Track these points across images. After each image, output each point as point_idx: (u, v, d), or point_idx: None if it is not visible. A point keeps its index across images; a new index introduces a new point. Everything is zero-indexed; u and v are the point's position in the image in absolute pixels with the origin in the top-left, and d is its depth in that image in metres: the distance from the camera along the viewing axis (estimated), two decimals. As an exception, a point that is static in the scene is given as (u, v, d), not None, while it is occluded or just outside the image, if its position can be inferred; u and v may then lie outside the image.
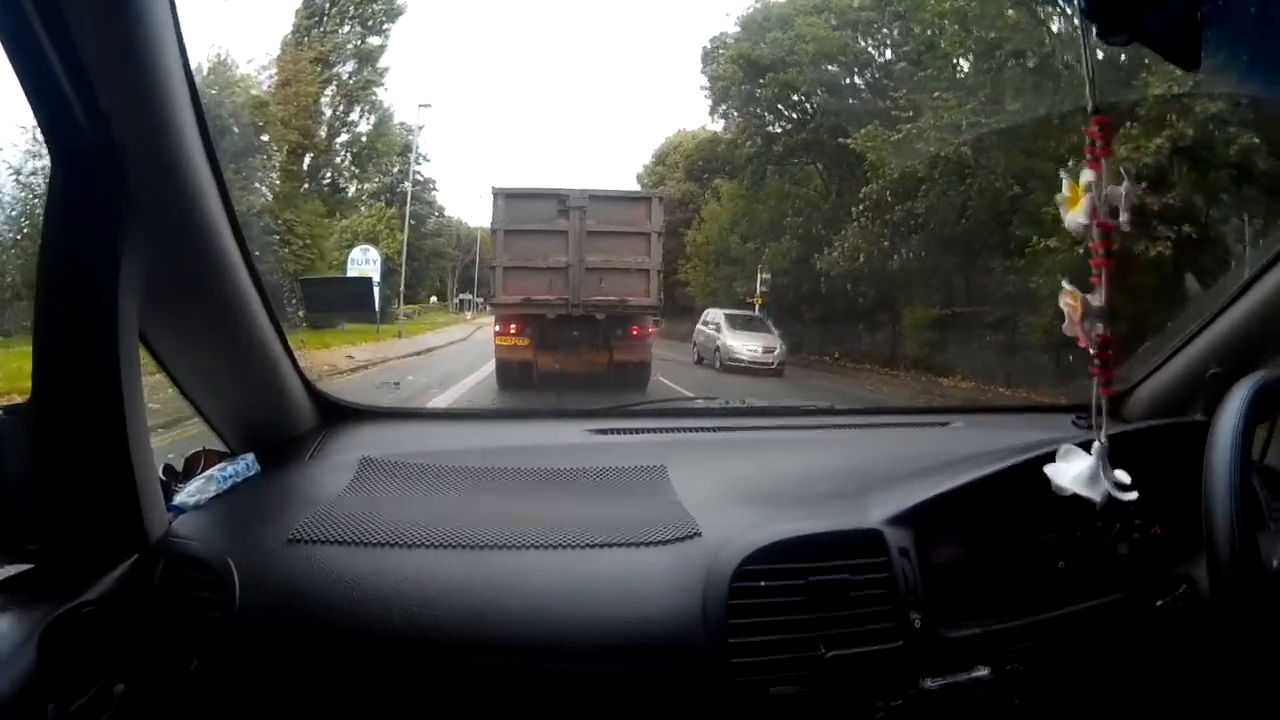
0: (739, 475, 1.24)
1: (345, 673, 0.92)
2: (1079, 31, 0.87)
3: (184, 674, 0.91)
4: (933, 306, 13.12)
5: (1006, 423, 1.77)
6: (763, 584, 0.95)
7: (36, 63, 0.76)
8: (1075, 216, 0.88)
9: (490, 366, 8.35)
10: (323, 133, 20.21)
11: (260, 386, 1.21)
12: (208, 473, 1.13)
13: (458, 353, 13.64)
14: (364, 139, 21.64)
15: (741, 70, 16.54)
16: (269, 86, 16.86)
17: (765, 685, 0.92)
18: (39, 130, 0.84)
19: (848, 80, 15.70)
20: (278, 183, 15.61)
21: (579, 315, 7.84)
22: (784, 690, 0.93)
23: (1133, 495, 0.89)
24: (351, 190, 22.92)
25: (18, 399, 0.91)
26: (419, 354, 11.69)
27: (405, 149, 27.29)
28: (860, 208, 13.84)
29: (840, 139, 14.11)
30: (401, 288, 19.32)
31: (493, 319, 8.41)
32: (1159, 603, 1.05)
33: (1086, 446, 0.91)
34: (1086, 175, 0.87)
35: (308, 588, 0.95)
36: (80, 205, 0.85)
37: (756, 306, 17.99)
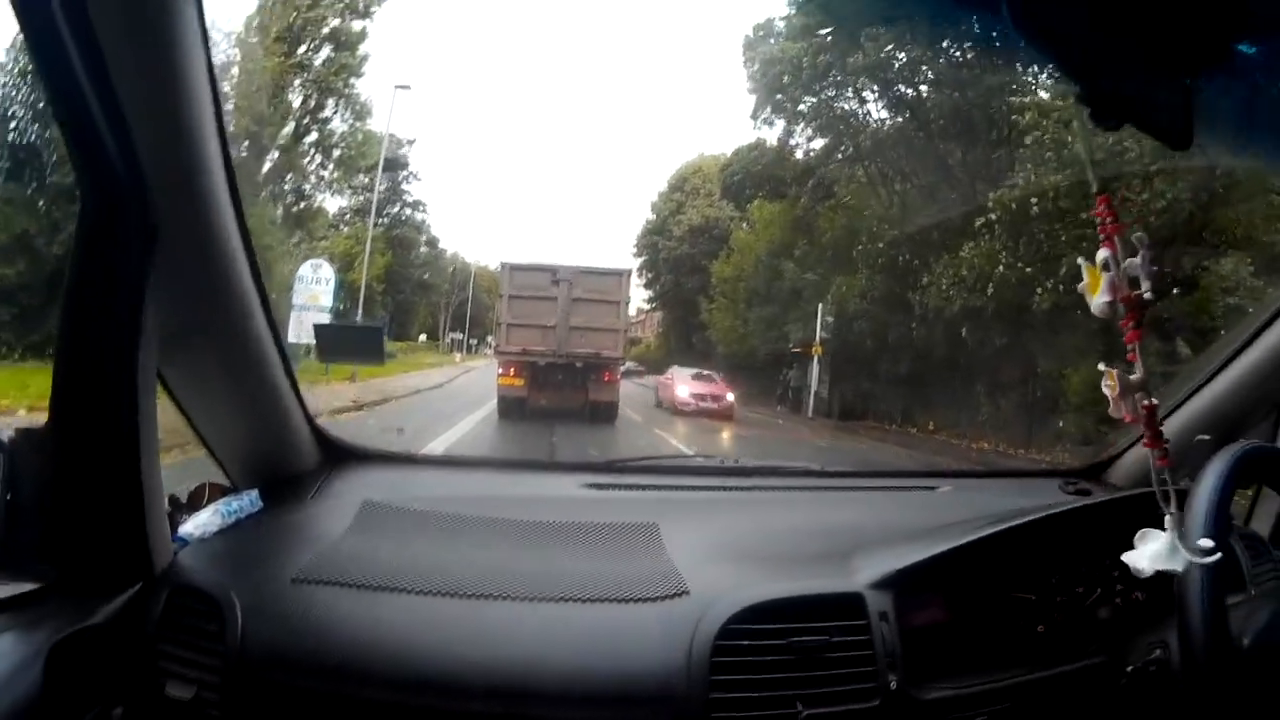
0: (729, 534, 1.38)
1: (342, 713, 1.02)
2: (1075, 118, 0.99)
3: (182, 704, 1.02)
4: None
5: (993, 487, 1.89)
6: (746, 643, 1.07)
7: (74, 101, 0.86)
8: (1099, 299, 0.94)
9: (457, 438, 9.08)
10: (289, 129, 16.28)
11: (268, 425, 1.35)
12: (213, 506, 1.26)
13: (419, 407, 11.97)
14: (337, 138, 17.53)
15: (815, 48, 12.51)
16: (219, 59, 13.00)
17: None
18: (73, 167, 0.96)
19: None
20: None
21: (563, 363, 10.68)
22: None
23: (1217, 556, 0.96)
24: (328, 205, 19.27)
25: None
26: (353, 410, 9.39)
27: (389, 163, 23.39)
28: (992, 217, 11.06)
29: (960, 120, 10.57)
30: (359, 315, 17.95)
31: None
32: (1130, 668, 1.14)
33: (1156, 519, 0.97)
34: (1101, 254, 0.95)
35: (310, 627, 1.06)
36: (109, 241, 0.96)
37: (815, 357, 13.53)
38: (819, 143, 16.62)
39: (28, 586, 0.97)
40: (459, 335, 27.77)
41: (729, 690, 1.03)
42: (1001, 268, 10.87)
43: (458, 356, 24.96)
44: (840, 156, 15.72)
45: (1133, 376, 0.94)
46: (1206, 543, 0.96)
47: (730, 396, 14.16)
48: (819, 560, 1.25)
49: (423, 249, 26.43)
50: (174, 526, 1.18)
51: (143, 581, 1.05)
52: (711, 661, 1.03)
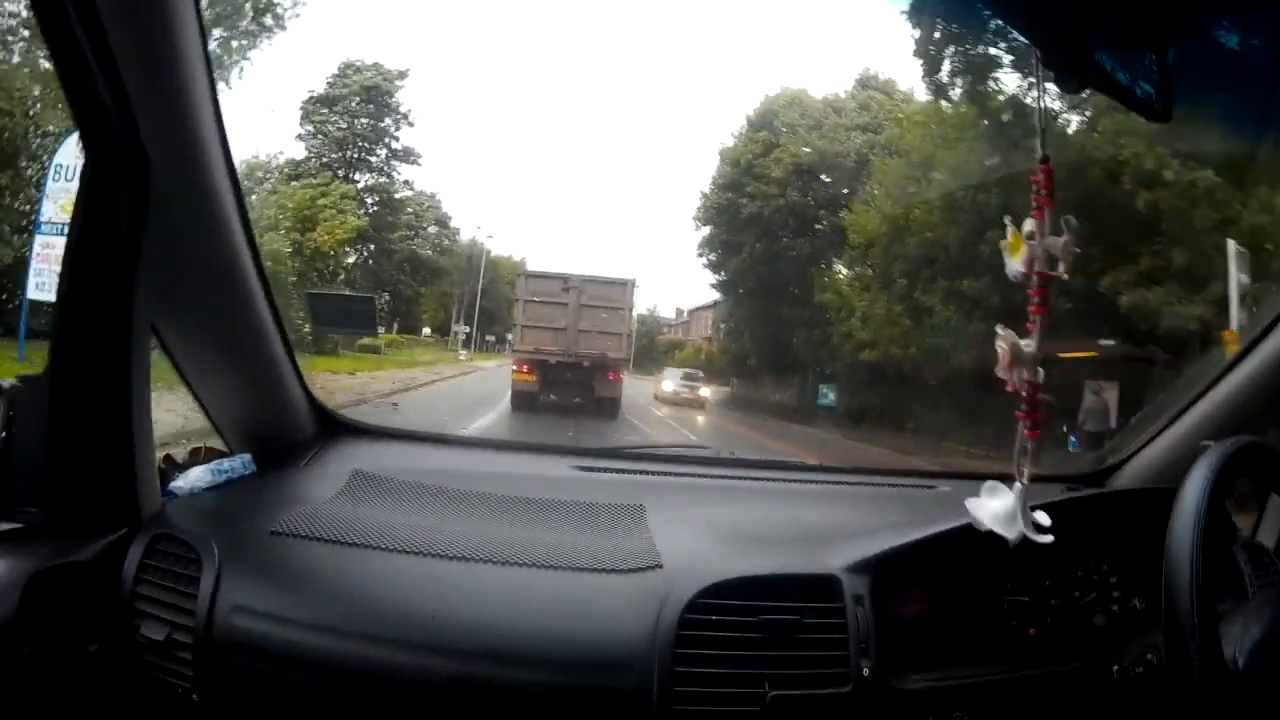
0: (713, 518, 1.73)
1: (305, 663, 1.30)
2: (1034, 80, 1.16)
3: (155, 644, 1.33)
4: None
5: None
6: (715, 618, 1.33)
7: (80, 77, 1.21)
8: (1014, 264, 1.19)
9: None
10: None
11: (264, 391, 1.77)
12: (205, 465, 1.66)
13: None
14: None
15: None
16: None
17: (707, 717, 1.29)
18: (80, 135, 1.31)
19: None
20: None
21: (571, 362, 15.49)
22: None
23: (1047, 538, 1.21)
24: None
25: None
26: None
27: (370, 91, 23.65)
28: None
29: None
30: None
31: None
32: (1116, 667, 1.39)
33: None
34: (1029, 224, 1.18)
35: (281, 577, 1.39)
36: (108, 204, 1.30)
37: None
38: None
39: (18, 525, 1.32)
40: (468, 329, 28.15)
41: (695, 665, 1.30)
42: None
43: (463, 354, 25.60)
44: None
45: (1026, 349, 1.20)
46: (1044, 520, 1.23)
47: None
48: (798, 544, 1.58)
49: (431, 228, 26.82)
50: (168, 484, 1.58)
51: (128, 527, 1.42)
52: (679, 634, 1.31)
